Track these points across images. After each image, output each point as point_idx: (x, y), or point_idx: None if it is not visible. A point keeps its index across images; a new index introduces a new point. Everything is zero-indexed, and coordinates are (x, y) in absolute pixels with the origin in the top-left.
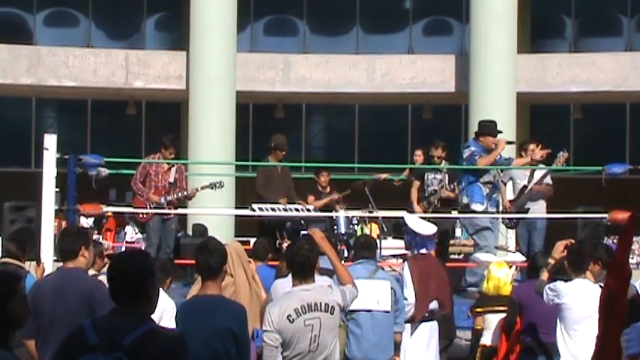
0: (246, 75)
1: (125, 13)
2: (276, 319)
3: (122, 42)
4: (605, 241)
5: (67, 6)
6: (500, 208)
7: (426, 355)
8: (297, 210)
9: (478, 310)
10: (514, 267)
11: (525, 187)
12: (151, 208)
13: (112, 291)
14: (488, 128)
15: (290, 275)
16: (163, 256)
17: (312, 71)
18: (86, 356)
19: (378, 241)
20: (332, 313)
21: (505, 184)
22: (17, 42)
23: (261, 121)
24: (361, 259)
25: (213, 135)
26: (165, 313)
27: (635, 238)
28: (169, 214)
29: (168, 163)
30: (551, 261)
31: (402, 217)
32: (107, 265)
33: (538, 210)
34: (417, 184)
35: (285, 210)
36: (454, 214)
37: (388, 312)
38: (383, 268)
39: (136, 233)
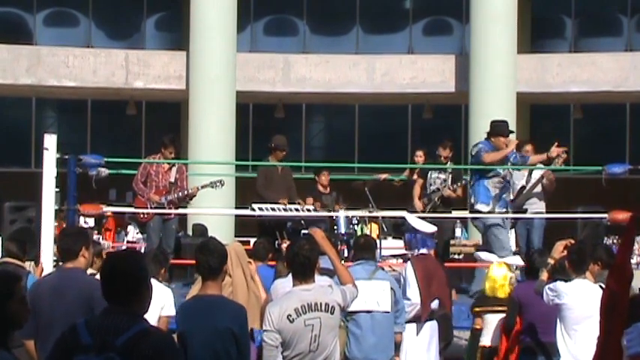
0: (246, 75)
1: (125, 13)
2: (277, 319)
3: (122, 42)
4: (605, 242)
5: (67, 6)
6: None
7: (427, 355)
8: (297, 210)
9: (477, 309)
10: (515, 269)
11: (524, 187)
12: (151, 208)
13: (104, 291)
14: (500, 128)
15: (290, 275)
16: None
17: (312, 71)
18: (79, 356)
19: (377, 241)
20: (332, 313)
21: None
22: (17, 42)
23: (261, 121)
24: (361, 259)
25: (213, 135)
26: (165, 303)
27: (636, 239)
28: (169, 214)
29: (168, 163)
30: (551, 261)
31: (402, 217)
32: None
33: (537, 209)
34: (420, 181)
35: (285, 210)
36: (454, 214)
37: (388, 312)
38: (383, 269)
39: (137, 233)
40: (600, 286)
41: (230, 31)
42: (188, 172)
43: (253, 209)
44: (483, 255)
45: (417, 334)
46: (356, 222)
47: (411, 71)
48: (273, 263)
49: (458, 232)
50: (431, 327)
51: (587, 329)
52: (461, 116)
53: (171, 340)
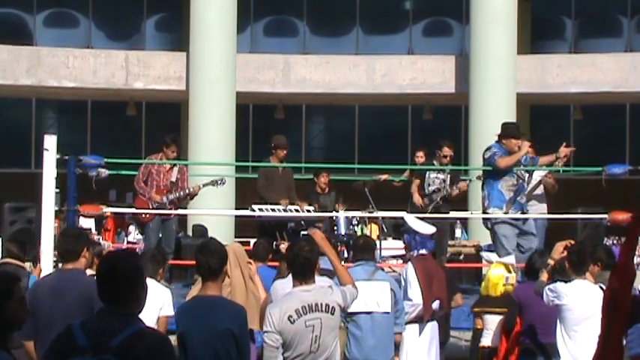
0: (246, 76)
1: (125, 14)
2: (277, 320)
3: (122, 43)
4: (605, 242)
5: (67, 7)
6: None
7: (427, 356)
8: (296, 211)
9: (476, 309)
10: (514, 270)
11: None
12: (152, 207)
13: (100, 291)
14: (511, 130)
15: (290, 276)
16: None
17: (312, 72)
18: (75, 358)
19: (377, 241)
20: (332, 314)
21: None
22: (17, 43)
23: (261, 122)
24: (360, 260)
25: (213, 136)
26: (164, 303)
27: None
28: (169, 214)
29: (169, 164)
30: (551, 262)
31: (402, 218)
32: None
33: (537, 211)
34: (416, 182)
35: (284, 211)
36: (455, 214)
37: (388, 313)
38: (383, 269)
39: (138, 234)
40: (600, 287)
41: (230, 31)
42: (188, 173)
43: (253, 210)
44: (486, 255)
45: (419, 334)
46: (356, 222)
47: (411, 72)
48: (273, 264)
49: (458, 232)
50: (432, 328)
51: (587, 330)
52: (461, 117)
53: (167, 341)
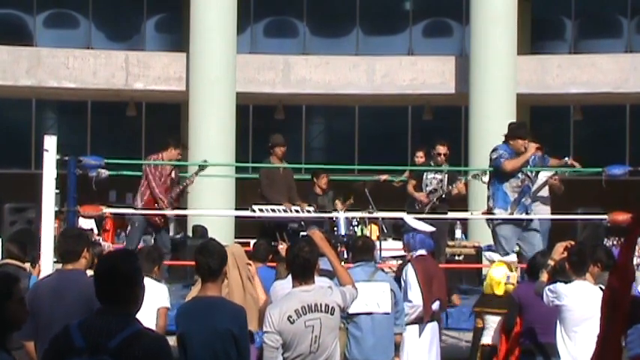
0: (246, 76)
1: (125, 15)
2: (277, 320)
3: (122, 43)
4: (605, 243)
5: (67, 7)
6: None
7: (428, 356)
8: (296, 211)
9: (477, 309)
10: (515, 269)
11: None
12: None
13: (98, 291)
14: (518, 130)
15: (289, 277)
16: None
17: (312, 72)
18: (72, 359)
19: (377, 242)
20: (332, 314)
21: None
22: (17, 43)
23: (261, 122)
24: (360, 261)
25: (213, 136)
26: (160, 298)
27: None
28: (163, 221)
29: (170, 164)
30: (551, 262)
31: (402, 218)
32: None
33: (542, 213)
34: (412, 182)
35: (284, 211)
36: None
37: (388, 314)
38: (383, 270)
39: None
40: (600, 288)
41: (230, 32)
42: (187, 173)
43: (253, 210)
44: (489, 255)
45: (420, 335)
46: (356, 223)
47: (411, 73)
48: (273, 264)
49: (458, 233)
50: (432, 328)
51: (586, 331)
52: (461, 118)
53: (164, 342)
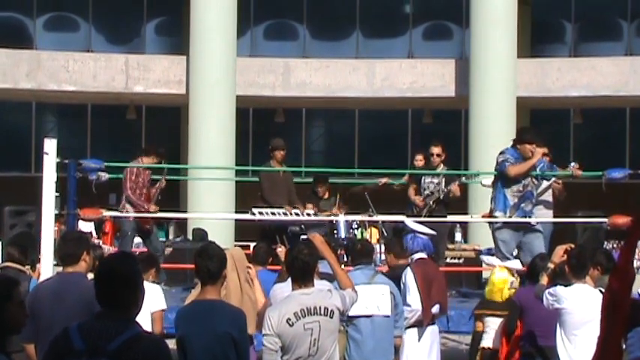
0: (247, 79)
1: (125, 18)
2: (276, 323)
3: (122, 46)
4: (605, 246)
5: (67, 10)
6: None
7: (428, 359)
8: (297, 214)
9: (477, 312)
10: (515, 275)
11: None
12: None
13: (99, 294)
14: (526, 135)
15: (289, 280)
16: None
17: (312, 76)
18: None
19: (378, 245)
20: (331, 317)
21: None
22: (17, 46)
23: (261, 125)
24: (359, 264)
25: (213, 139)
26: (154, 300)
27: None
28: (150, 227)
29: (150, 170)
30: (551, 265)
31: (402, 222)
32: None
33: (544, 217)
34: (413, 186)
35: (285, 214)
36: (456, 218)
37: (389, 316)
38: (382, 273)
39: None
40: (600, 291)
41: (230, 35)
42: (188, 177)
43: (253, 214)
44: (486, 258)
45: (419, 339)
46: (356, 226)
47: (411, 76)
48: (273, 267)
49: (457, 236)
50: (432, 332)
51: (586, 334)
52: (461, 121)
53: (164, 345)
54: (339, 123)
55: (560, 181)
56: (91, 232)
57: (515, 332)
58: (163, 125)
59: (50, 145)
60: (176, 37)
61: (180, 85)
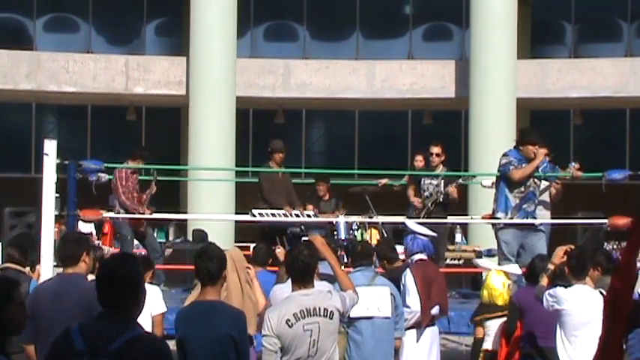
0: (246, 80)
1: (125, 19)
2: (275, 324)
3: (122, 47)
4: (605, 247)
5: (67, 11)
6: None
7: None
8: (297, 215)
9: (476, 318)
10: (512, 279)
11: None
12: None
13: (101, 295)
14: (528, 136)
15: (289, 281)
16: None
17: (312, 77)
18: None
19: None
20: (331, 318)
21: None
22: (17, 47)
23: (261, 126)
24: (359, 266)
25: (213, 140)
26: (154, 302)
27: None
28: (144, 227)
29: (138, 172)
30: (551, 266)
31: (403, 223)
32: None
33: (543, 218)
34: (413, 187)
35: (285, 215)
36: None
37: (389, 318)
38: (383, 274)
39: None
40: (600, 292)
41: (230, 36)
42: (188, 177)
43: (253, 215)
44: (481, 261)
45: (418, 340)
46: (356, 227)
47: (411, 77)
48: (273, 268)
49: (458, 237)
50: (432, 333)
51: (586, 335)
52: (461, 121)
53: (165, 346)
54: (339, 124)
55: (559, 182)
56: (91, 233)
57: (515, 333)
58: (163, 126)
59: (50, 146)
60: (176, 37)
61: (180, 86)
